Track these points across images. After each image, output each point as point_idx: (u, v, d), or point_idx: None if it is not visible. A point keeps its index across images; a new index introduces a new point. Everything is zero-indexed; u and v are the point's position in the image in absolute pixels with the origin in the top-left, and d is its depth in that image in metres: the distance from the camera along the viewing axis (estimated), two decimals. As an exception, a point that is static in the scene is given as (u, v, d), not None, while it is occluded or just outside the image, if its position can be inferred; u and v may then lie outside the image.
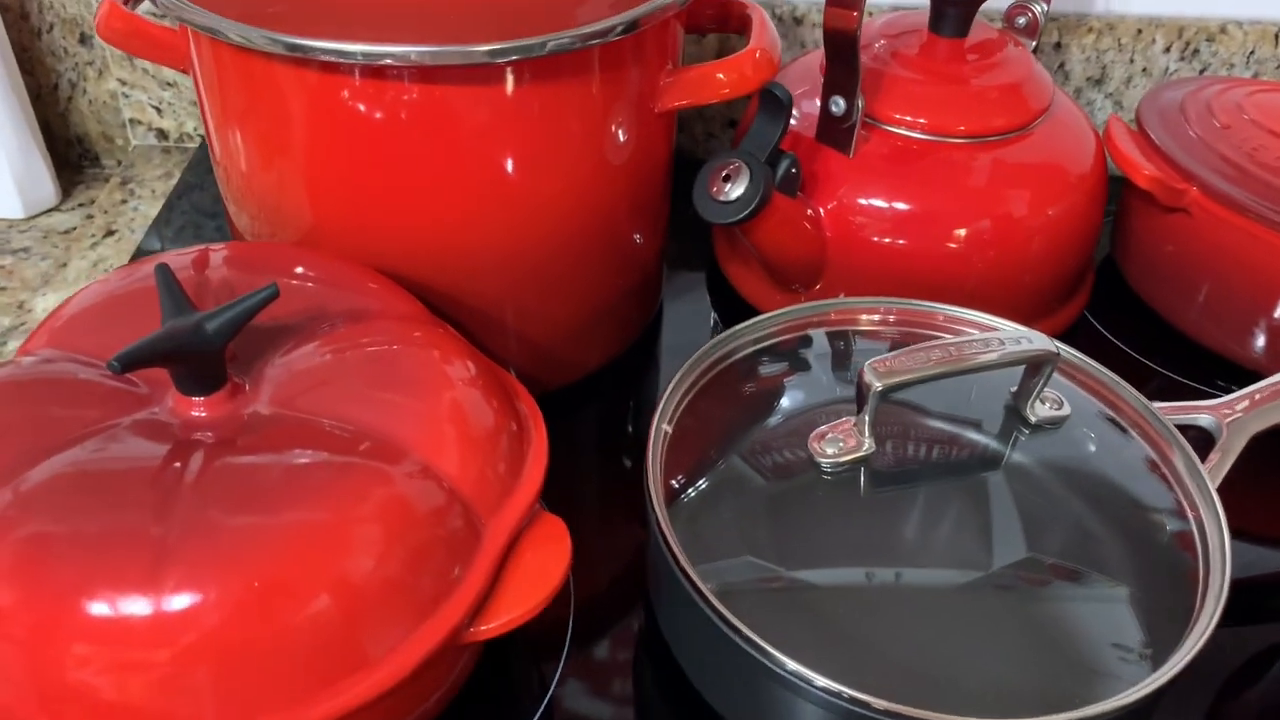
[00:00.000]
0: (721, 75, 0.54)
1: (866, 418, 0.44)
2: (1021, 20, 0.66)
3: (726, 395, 0.51)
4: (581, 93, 0.51)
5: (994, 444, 0.47)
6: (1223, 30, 0.75)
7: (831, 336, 0.54)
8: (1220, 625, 0.52)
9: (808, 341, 0.54)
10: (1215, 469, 0.48)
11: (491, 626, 0.38)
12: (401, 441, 0.39)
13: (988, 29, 0.63)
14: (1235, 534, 0.57)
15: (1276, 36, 0.75)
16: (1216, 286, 0.62)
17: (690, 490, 0.47)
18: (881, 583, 0.44)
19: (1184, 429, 0.50)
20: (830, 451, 0.44)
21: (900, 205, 0.59)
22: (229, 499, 0.36)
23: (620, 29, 0.49)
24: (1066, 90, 0.78)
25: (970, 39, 0.61)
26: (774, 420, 0.51)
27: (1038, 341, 0.44)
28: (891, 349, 0.54)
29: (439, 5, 0.49)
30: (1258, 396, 0.50)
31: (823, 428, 0.45)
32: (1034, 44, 0.66)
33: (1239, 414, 0.50)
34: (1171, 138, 0.62)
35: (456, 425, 0.40)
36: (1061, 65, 0.77)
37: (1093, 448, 0.48)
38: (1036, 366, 0.45)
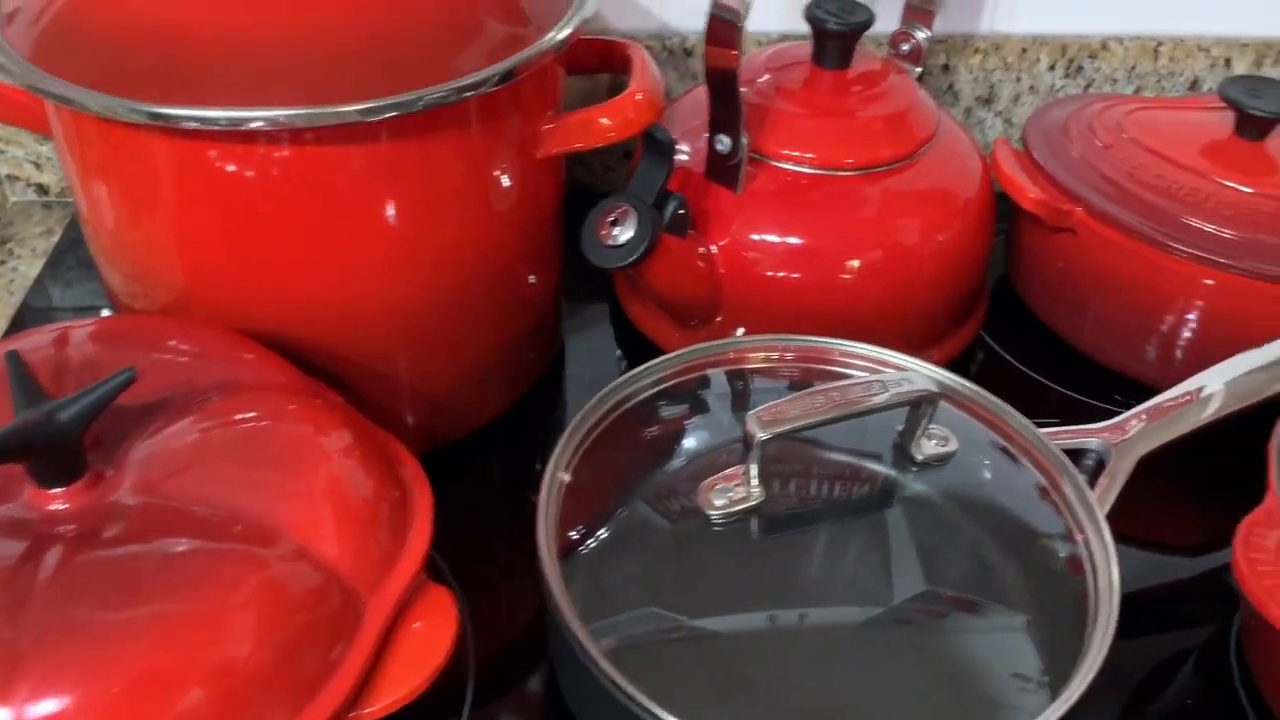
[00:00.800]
0: (604, 120, 0.53)
1: (753, 468, 0.43)
2: (905, 46, 0.67)
3: (627, 441, 0.51)
4: (460, 144, 0.50)
5: (887, 480, 0.47)
6: (1104, 47, 0.77)
7: (730, 376, 0.54)
8: (1119, 640, 0.52)
9: (706, 382, 0.54)
10: (1105, 493, 0.49)
11: (375, 709, 0.37)
12: (275, 523, 0.37)
13: (871, 58, 0.63)
14: (1140, 543, 0.59)
15: (1155, 51, 0.77)
16: (1106, 304, 0.63)
17: (592, 540, 0.46)
18: (784, 626, 0.44)
19: (1076, 453, 0.51)
20: (719, 503, 0.44)
21: (792, 240, 0.59)
22: (91, 595, 0.34)
23: (496, 79, 0.48)
24: (956, 110, 0.79)
25: (854, 69, 0.61)
26: (675, 465, 0.50)
27: (919, 382, 0.44)
28: (791, 387, 0.54)
29: (309, 59, 0.48)
30: (1145, 418, 0.51)
31: (711, 478, 0.45)
32: (919, 70, 0.67)
33: (1127, 436, 0.51)
34: (1055, 159, 0.63)
35: (332, 502, 0.39)
36: (950, 86, 0.77)
37: (985, 478, 0.48)
38: (920, 406, 0.45)
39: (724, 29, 0.52)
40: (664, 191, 0.54)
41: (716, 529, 0.45)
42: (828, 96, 0.61)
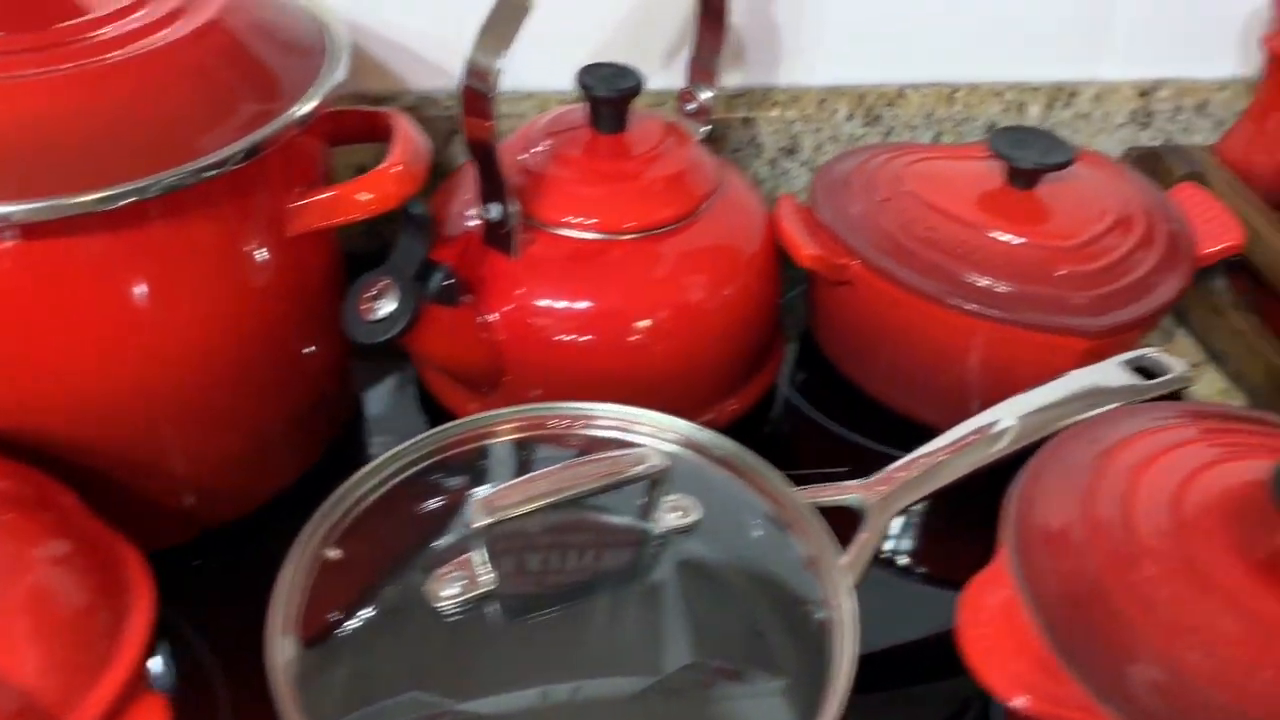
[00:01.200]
0: (363, 195, 0.53)
1: (480, 555, 0.43)
2: (691, 105, 0.67)
3: (393, 518, 0.50)
4: (206, 224, 0.49)
5: (645, 550, 0.47)
6: (901, 95, 0.79)
7: (511, 446, 0.54)
8: (909, 688, 0.53)
9: (484, 453, 0.53)
10: (863, 549, 0.49)
11: (69, 834, 0.35)
12: (-38, 643, 0.36)
13: (649, 119, 0.64)
14: (938, 582, 0.59)
15: (950, 97, 0.79)
16: (893, 355, 0.64)
17: (355, 621, 0.45)
18: (550, 704, 0.43)
19: (839, 509, 0.51)
20: (448, 593, 0.43)
21: (580, 304, 0.59)
22: None
23: (239, 157, 0.48)
24: (760, 161, 0.80)
25: (631, 131, 0.62)
26: (441, 543, 0.49)
27: (653, 459, 0.45)
28: (580, 454, 0.53)
29: (47, 147, 0.46)
30: (901, 473, 0.52)
31: (442, 568, 0.44)
32: (706, 128, 0.67)
33: (883, 492, 0.51)
34: (835, 213, 0.64)
35: (32, 617, 0.38)
36: (754, 139, 0.78)
37: (743, 541, 0.49)
38: (656, 481, 0.45)
39: (477, 99, 0.52)
40: (427, 263, 0.53)
41: (466, 614, 0.44)
42: (606, 161, 0.61)
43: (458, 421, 0.52)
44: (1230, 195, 0.72)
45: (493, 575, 0.43)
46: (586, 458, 0.45)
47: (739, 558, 0.48)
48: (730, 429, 0.64)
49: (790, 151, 0.79)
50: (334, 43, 0.56)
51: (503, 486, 0.43)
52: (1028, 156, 0.62)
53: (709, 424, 0.64)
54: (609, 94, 0.59)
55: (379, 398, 0.69)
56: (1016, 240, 0.61)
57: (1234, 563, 0.41)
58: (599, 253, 0.60)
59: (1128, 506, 0.43)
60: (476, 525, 0.42)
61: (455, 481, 0.52)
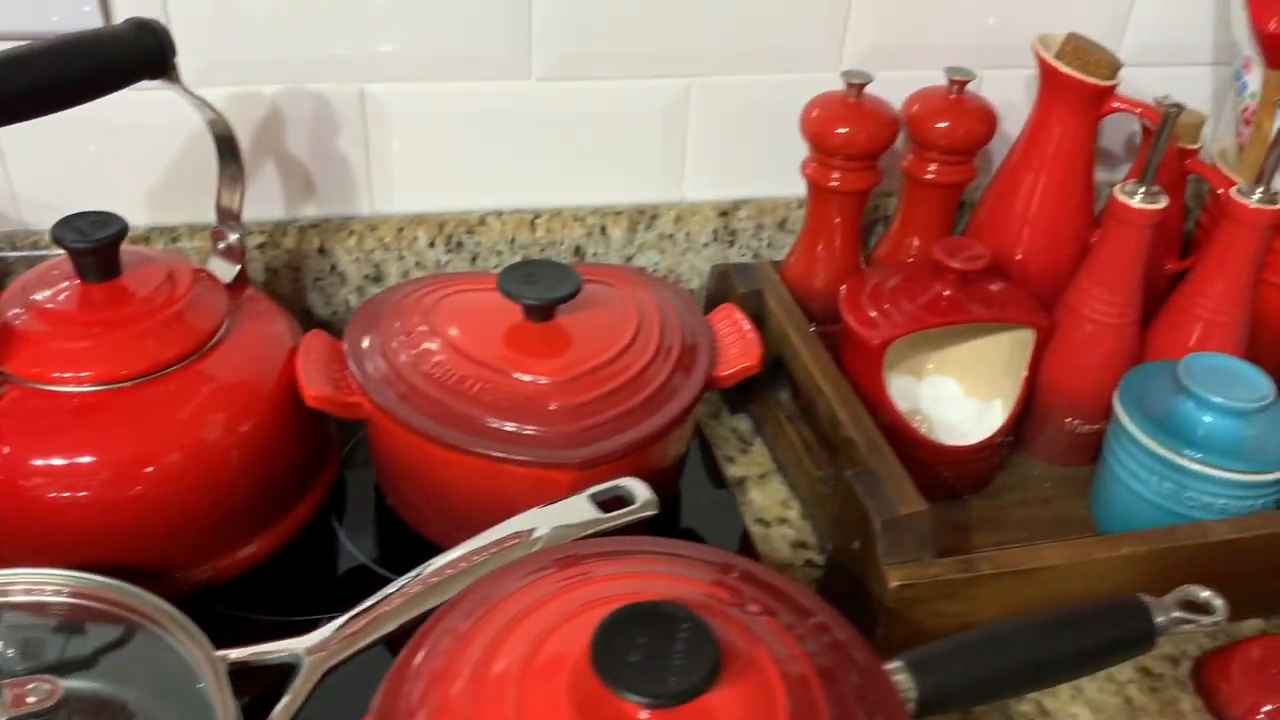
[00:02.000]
0: None
1: None
2: (222, 245, 0.67)
3: None
4: None
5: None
6: (482, 222, 0.80)
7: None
8: None
9: None
10: (287, 707, 0.48)
11: None
12: None
13: (148, 263, 0.63)
14: None
15: (532, 222, 0.81)
16: (413, 488, 0.65)
17: None
18: None
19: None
20: None
21: (81, 459, 0.58)
22: None
23: None
24: (346, 289, 0.80)
25: (125, 277, 0.61)
26: None
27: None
28: (62, 624, 0.52)
29: None
30: (347, 629, 0.51)
31: None
32: (237, 267, 0.66)
33: (323, 649, 0.50)
34: (357, 350, 0.64)
35: None
36: (334, 267, 0.79)
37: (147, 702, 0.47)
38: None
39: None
40: None
41: None
42: (96, 310, 0.60)
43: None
44: (780, 313, 0.75)
45: None
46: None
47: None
48: (262, 567, 0.64)
49: (376, 279, 0.80)
50: None
51: None
52: (533, 294, 0.63)
53: (241, 563, 0.64)
54: (85, 244, 0.58)
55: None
56: (518, 375, 0.62)
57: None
58: (98, 404, 0.58)
59: (483, 672, 0.42)
60: None
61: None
